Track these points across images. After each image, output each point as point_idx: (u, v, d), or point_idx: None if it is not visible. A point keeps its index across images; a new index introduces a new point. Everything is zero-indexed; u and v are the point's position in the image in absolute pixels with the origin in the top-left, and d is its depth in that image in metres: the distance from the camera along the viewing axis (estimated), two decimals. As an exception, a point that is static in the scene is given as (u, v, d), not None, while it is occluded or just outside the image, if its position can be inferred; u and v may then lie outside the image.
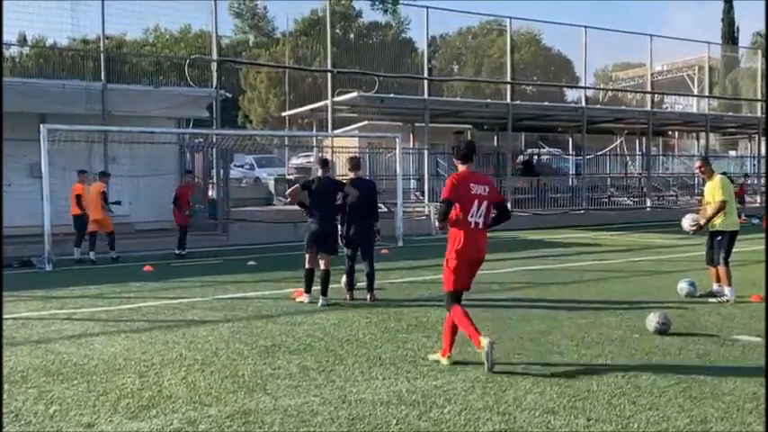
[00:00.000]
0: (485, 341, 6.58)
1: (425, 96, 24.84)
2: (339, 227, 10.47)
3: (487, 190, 6.96)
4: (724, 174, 11.48)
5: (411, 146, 28.87)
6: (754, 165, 37.43)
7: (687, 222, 10.89)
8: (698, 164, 11.09)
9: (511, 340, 7.88)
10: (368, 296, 10.40)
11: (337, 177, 14.51)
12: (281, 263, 15.15)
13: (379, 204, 15.92)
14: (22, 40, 26.46)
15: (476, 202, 6.86)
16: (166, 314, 9.71)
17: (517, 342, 7.79)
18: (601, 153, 36.25)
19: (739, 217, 11.50)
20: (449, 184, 6.92)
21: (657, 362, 6.98)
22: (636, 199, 31.35)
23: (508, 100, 26.85)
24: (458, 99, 32.24)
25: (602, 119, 32.18)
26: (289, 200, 11.75)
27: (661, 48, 32.68)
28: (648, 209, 29.24)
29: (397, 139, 20.63)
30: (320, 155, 23.95)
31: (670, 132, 40.45)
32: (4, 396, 5.95)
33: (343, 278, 10.69)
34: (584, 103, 29.67)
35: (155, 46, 45.42)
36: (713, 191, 10.42)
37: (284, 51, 44.50)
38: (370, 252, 10.59)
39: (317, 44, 38.40)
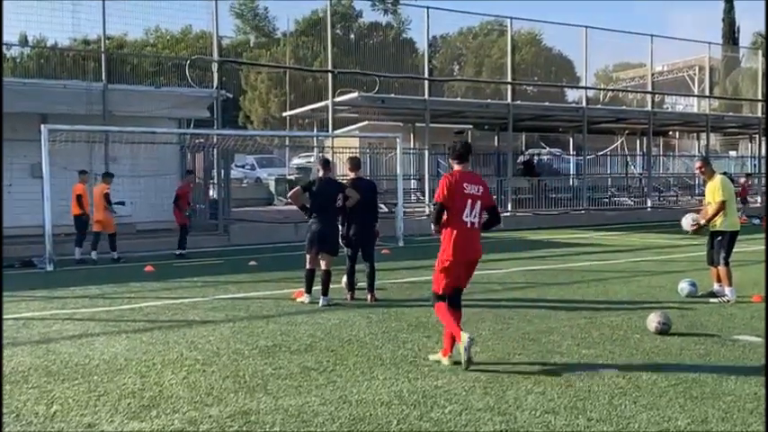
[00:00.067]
0: (465, 336, 6.63)
1: (426, 97, 24.83)
2: (340, 227, 10.48)
3: (481, 190, 6.96)
4: (724, 174, 11.48)
5: (411, 146, 28.88)
6: (754, 165, 37.40)
7: (687, 222, 10.88)
8: (698, 164, 11.09)
9: (512, 340, 7.88)
10: (368, 296, 10.40)
11: (338, 177, 14.52)
12: (281, 263, 15.16)
13: (380, 205, 15.95)
14: (23, 41, 26.47)
15: (469, 201, 6.86)
16: (167, 314, 9.71)
17: (518, 342, 7.80)
18: (601, 153, 36.24)
19: (740, 217, 11.50)
20: (442, 184, 6.94)
21: (658, 362, 6.98)
22: (636, 199, 31.34)
23: (509, 100, 26.83)
24: (458, 99, 32.26)
25: (603, 119, 32.17)
26: (291, 201, 11.76)
27: (662, 48, 32.72)
28: (649, 209, 29.21)
29: (398, 140, 20.63)
30: (321, 155, 23.97)
31: (671, 132, 40.43)
32: (5, 396, 5.95)
33: (344, 278, 10.71)
34: (584, 104, 29.64)
35: (156, 46, 45.42)
36: (714, 191, 10.42)
37: (285, 52, 44.47)
38: (370, 252, 10.60)
39: (317, 44, 38.39)
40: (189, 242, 16.98)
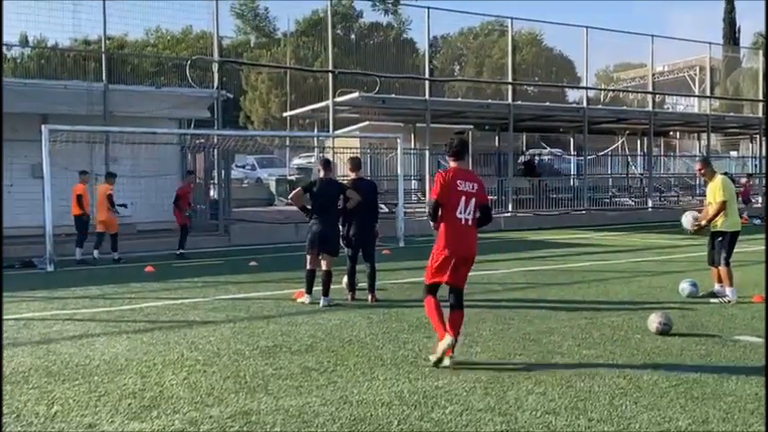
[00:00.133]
0: (448, 338, 6.73)
1: (427, 97, 24.83)
2: (340, 228, 10.48)
3: (475, 187, 6.97)
4: (725, 174, 11.47)
5: (412, 146, 28.87)
6: (755, 165, 37.38)
7: (687, 220, 10.88)
8: (698, 166, 11.10)
9: (512, 341, 7.88)
10: (369, 297, 10.40)
11: (338, 178, 14.51)
12: (282, 264, 15.16)
13: (381, 205, 15.94)
14: (24, 41, 26.44)
15: (463, 198, 6.88)
16: (168, 315, 9.71)
17: (519, 342, 7.80)
18: (602, 153, 36.23)
19: (741, 217, 11.48)
20: (436, 181, 7.00)
21: (659, 362, 6.97)
22: (637, 199, 31.33)
23: (509, 100, 26.84)
24: (459, 99, 32.26)
25: (604, 119, 32.16)
26: (291, 202, 11.76)
27: (662, 48, 32.69)
28: (650, 209, 29.20)
29: (399, 140, 20.63)
30: (322, 155, 23.97)
31: (671, 133, 40.42)
32: (6, 397, 5.95)
33: (345, 279, 10.71)
34: (585, 104, 29.64)
35: (156, 47, 45.46)
36: (714, 191, 10.41)
37: (285, 52, 44.48)
38: (371, 253, 10.60)
39: (318, 45, 38.40)
40: (189, 242, 16.98)
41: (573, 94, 42.88)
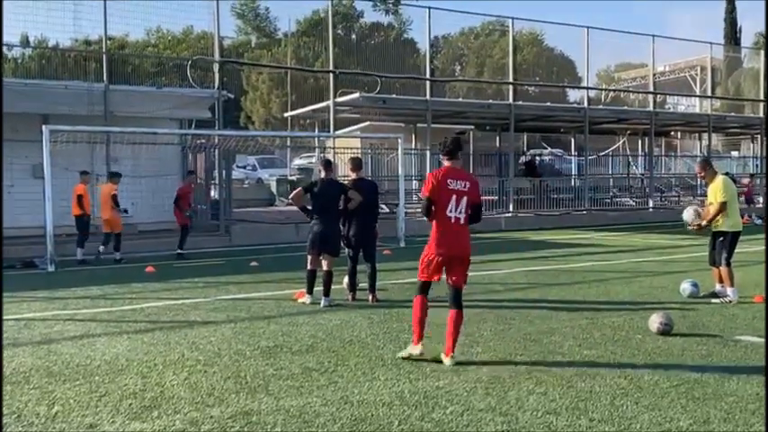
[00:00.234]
0: (419, 347, 7.01)
1: (427, 97, 24.83)
2: (341, 228, 10.47)
3: (467, 186, 6.99)
4: (726, 174, 11.46)
5: (413, 146, 28.87)
6: (756, 165, 37.38)
7: (689, 213, 10.88)
8: (698, 169, 11.10)
9: (513, 341, 7.87)
10: (370, 297, 10.40)
11: (339, 178, 14.50)
12: (283, 264, 15.16)
13: (382, 205, 15.94)
14: (25, 41, 26.45)
15: (453, 196, 6.91)
16: (169, 315, 9.71)
17: (519, 343, 7.79)
18: (603, 153, 36.23)
19: (742, 217, 11.48)
20: (428, 180, 7.10)
21: (660, 362, 6.97)
22: (638, 199, 31.31)
23: (510, 100, 26.82)
24: (460, 100, 32.24)
25: (605, 119, 32.15)
26: (293, 203, 11.76)
27: (663, 48, 32.70)
28: (651, 209, 29.20)
29: (399, 140, 20.62)
30: (323, 155, 23.98)
31: (672, 133, 40.41)
32: (6, 397, 5.95)
33: (345, 279, 10.71)
34: (586, 104, 29.63)
35: (157, 47, 45.46)
36: (715, 192, 10.41)
37: (286, 52, 44.51)
38: (371, 253, 10.60)
39: (318, 45, 38.37)
40: (190, 243, 16.98)
41: (574, 95, 42.86)
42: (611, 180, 34.23)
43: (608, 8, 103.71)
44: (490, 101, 30.21)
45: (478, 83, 39.85)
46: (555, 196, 27.88)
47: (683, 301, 10.33)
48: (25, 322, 9.15)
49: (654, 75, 31.98)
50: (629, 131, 36.96)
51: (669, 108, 38.90)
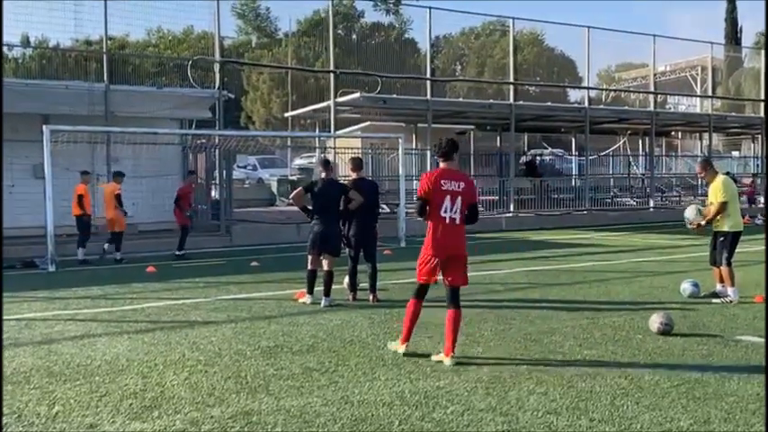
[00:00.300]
0: (403, 347, 7.23)
1: (428, 97, 24.83)
2: (342, 228, 10.47)
3: (462, 186, 7.03)
4: (727, 174, 11.46)
5: (413, 146, 28.87)
6: (757, 165, 37.38)
7: (691, 211, 10.89)
8: (698, 169, 11.10)
9: (514, 341, 7.87)
10: (370, 297, 10.40)
11: (339, 178, 14.50)
12: (283, 264, 15.16)
13: (382, 205, 15.92)
14: (25, 42, 26.50)
15: (447, 197, 6.96)
16: (169, 315, 9.72)
17: (520, 343, 7.79)
18: (604, 153, 36.21)
19: (743, 217, 11.47)
20: (422, 181, 7.18)
21: (660, 362, 6.97)
22: (639, 199, 31.31)
23: (511, 100, 26.82)
24: (460, 100, 32.26)
25: (605, 119, 32.14)
26: (294, 203, 11.75)
27: (664, 48, 32.72)
28: (652, 209, 29.18)
29: (400, 140, 20.61)
30: (323, 155, 23.97)
31: (673, 133, 40.41)
32: (7, 397, 5.96)
33: (346, 279, 10.70)
34: (587, 104, 29.62)
35: (157, 47, 45.46)
36: (716, 192, 10.41)
37: (287, 52, 44.51)
38: (372, 253, 10.59)
39: (319, 45, 38.39)
40: (191, 243, 16.98)
41: (574, 94, 42.89)
42: (612, 180, 34.21)
43: (608, 8, 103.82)
44: (491, 101, 30.21)
45: (479, 83, 39.88)
46: (555, 196, 27.87)
47: (683, 301, 10.33)
48: (26, 322, 9.15)
49: (654, 75, 31.97)
50: (629, 131, 36.94)
51: (670, 108, 38.89)
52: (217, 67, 21.06)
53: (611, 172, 35.35)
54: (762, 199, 31.30)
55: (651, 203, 29.73)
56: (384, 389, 6.14)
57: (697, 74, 41.14)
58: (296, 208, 11.81)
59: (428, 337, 7.90)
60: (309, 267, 10.30)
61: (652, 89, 31.70)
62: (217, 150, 21.13)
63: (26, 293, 11.46)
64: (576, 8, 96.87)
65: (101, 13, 19.15)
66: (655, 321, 8.16)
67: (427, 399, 5.86)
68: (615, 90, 41.19)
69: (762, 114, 34.24)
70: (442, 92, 29.82)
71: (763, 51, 36.17)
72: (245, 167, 36.24)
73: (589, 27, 27.64)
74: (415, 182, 27.91)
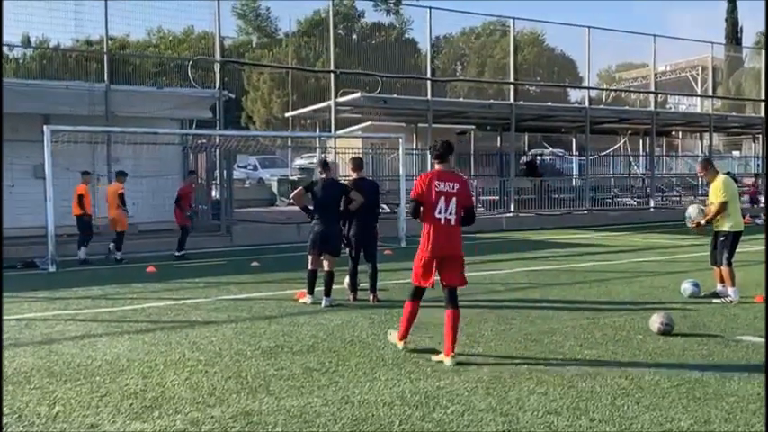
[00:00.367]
0: (401, 344, 7.39)
1: (428, 97, 24.84)
2: (342, 228, 10.47)
3: (456, 187, 7.07)
4: (728, 174, 11.46)
5: (414, 146, 28.88)
6: (758, 165, 37.38)
7: (693, 209, 10.90)
8: (699, 168, 11.10)
9: (514, 341, 7.87)
10: (371, 297, 10.40)
11: (340, 178, 14.49)
12: (284, 264, 15.16)
13: (383, 205, 15.92)
14: (26, 42, 26.50)
15: (442, 198, 7.00)
16: (170, 315, 9.72)
17: (520, 342, 7.79)
18: (604, 153, 36.21)
19: (744, 217, 11.47)
20: (416, 182, 7.23)
21: (661, 362, 6.97)
22: (639, 199, 31.31)
23: (511, 100, 26.82)
24: (461, 100, 32.26)
25: (606, 119, 32.14)
26: (295, 202, 11.75)
27: (664, 48, 32.72)
28: (652, 209, 29.19)
29: (400, 140, 20.60)
30: (323, 155, 23.97)
31: (673, 133, 40.41)
32: (8, 397, 5.96)
33: (346, 279, 10.70)
34: (587, 104, 29.63)
35: (158, 47, 45.43)
36: (716, 191, 10.41)
37: (287, 52, 44.50)
38: (372, 253, 10.59)
39: (319, 45, 38.37)
40: (191, 243, 16.98)
41: (575, 94, 42.88)
42: (613, 180, 34.21)
43: (608, 8, 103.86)
44: (491, 101, 30.21)
45: (479, 83, 39.87)
46: (556, 196, 27.86)
47: (684, 300, 10.33)
48: (26, 322, 9.15)
49: (655, 74, 31.97)
50: (630, 131, 36.94)
51: (670, 108, 38.87)
52: (217, 67, 21.07)
53: (611, 172, 35.35)
54: (762, 198, 31.30)
55: (652, 203, 29.73)
56: (384, 389, 6.14)
57: (697, 74, 41.14)
58: (296, 208, 11.82)
59: (428, 337, 7.90)
60: (310, 267, 10.31)
61: (652, 89, 31.70)
62: (217, 150, 21.14)
63: (27, 293, 11.46)
64: (576, 8, 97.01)
65: (101, 13, 19.17)
66: (655, 321, 8.16)
67: (428, 399, 5.86)
68: (616, 90, 41.18)
69: (762, 114, 34.25)
70: (443, 92, 29.82)
71: (763, 51, 36.17)
72: (245, 167, 36.26)
73: (589, 27, 27.65)
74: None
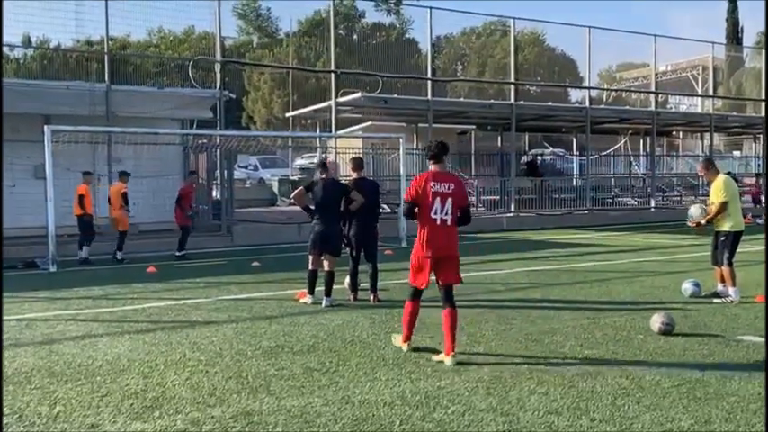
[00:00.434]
0: (405, 346, 7.35)
1: (429, 97, 24.84)
2: (343, 228, 10.46)
3: (451, 187, 7.09)
4: (728, 174, 11.45)
5: (414, 146, 28.88)
6: (758, 165, 37.37)
7: (695, 208, 10.90)
8: (700, 168, 11.09)
9: (514, 341, 7.87)
10: (371, 297, 10.39)
11: (341, 178, 14.48)
12: (284, 264, 15.16)
13: (383, 205, 15.91)
14: (26, 42, 26.53)
15: (438, 199, 7.01)
16: (170, 315, 9.72)
17: (521, 342, 7.79)
18: (605, 153, 36.21)
19: (744, 217, 11.46)
20: (411, 184, 7.27)
21: (661, 362, 6.96)
22: (640, 199, 31.31)
23: (512, 100, 26.82)
24: (461, 100, 32.27)
25: (607, 119, 32.14)
26: (296, 202, 11.75)
27: (665, 48, 32.66)
28: (653, 209, 29.18)
29: (401, 140, 20.62)
30: (324, 155, 23.97)
31: (674, 132, 40.40)
32: (8, 397, 5.96)
33: (347, 279, 10.70)
34: (587, 104, 29.63)
35: (158, 47, 45.51)
36: (717, 191, 10.41)
37: (288, 52, 44.53)
38: (373, 253, 10.59)
39: (320, 45, 38.41)
40: (192, 243, 16.98)
41: (575, 94, 42.89)
42: (613, 180, 34.19)
43: (607, 8, 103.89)
44: (492, 101, 30.22)
45: (480, 83, 39.86)
46: (556, 196, 27.85)
47: (684, 300, 10.32)
48: (27, 322, 9.16)
49: (656, 74, 31.96)
50: (630, 131, 36.94)
51: (671, 108, 38.87)
52: (218, 68, 21.07)
53: (612, 172, 35.35)
54: (762, 198, 31.28)
55: (652, 203, 29.72)
56: (385, 389, 6.14)
57: (698, 74, 41.14)
58: (297, 208, 11.82)
59: (429, 337, 7.90)
60: (310, 267, 10.31)
61: (653, 89, 31.69)
62: (218, 150, 21.15)
63: (27, 294, 11.46)
64: (576, 8, 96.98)
65: (102, 13, 19.17)
66: (656, 321, 8.15)
67: (428, 399, 5.86)
68: (616, 90, 41.19)
69: (763, 114, 34.25)
70: (443, 92, 29.82)
71: (764, 51, 36.17)
72: (246, 167, 36.28)
73: (590, 27, 27.65)
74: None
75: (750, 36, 57.24)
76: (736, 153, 44.61)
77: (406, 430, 5.20)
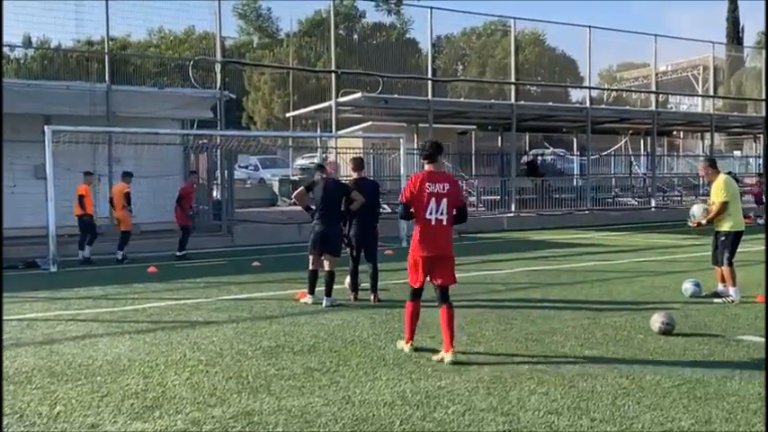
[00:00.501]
0: (408, 346, 7.34)
1: (429, 97, 24.84)
2: (343, 228, 10.47)
3: (446, 188, 7.11)
4: (729, 174, 11.45)
5: (415, 146, 28.86)
6: (759, 165, 37.35)
7: (697, 207, 10.91)
8: (701, 167, 11.09)
9: (515, 341, 7.87)
10: (372, 297, 10.40)
11: (341, 178, 14.49)
12: (285, 264, 15.16)
13: (383, 205, 15.91)
14: (27, 42, 26.55)
15: (433, 199, 7.04)
16: (171, 315, 9.72)
17: (521, 342, 7.79)
18: (605, 153, 36.19)
19: (746, 217, 11.46)
20: (406, 184, 7.30)
21: (662, 362, 6.97)
22: (640, 199, 31.29)
23: (512, 100, 26.81)
24: (462, 100, 32.29)
25: (607, 119, 32.13)
26: (297, 202, 11.76)
27: (665, 48, 32.70)
28: (653, 209, 29.17)
29: (401, 140, 20.62)
30: (324, 156, 23.98)
31: (675, 132, 40.38)
32: (9, 397, 5.97)
33: (347, 279, 10.71)
34: (588, 104, 29.61)
35: (159, 47, 45.52)
36: (717, 191, 10.41)
37: (288, 52, 44.54)
38: (373, 253, 10.59)
39: (320, 45, 38.44)
40: (192, 243, 16.99)
41: (576, 94, 42.90)
42: (614, 180, 34.19)
43: (607, 8, 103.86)
44: (492, 101, 30.23)
45: (480, 83, 39.90)
46: (557, 196, 27.84)
47: (684, 300, 10.32)
48: (27, 322, 9.16)
49: (656, 74, 31.96)
50: (631, 131, 36.91)
51: (671, 108, 38.86)
52: (218, 68, 21.07)
53: (612, 172, 35.34)
54: (763, 198, 31.25)
55: (653, 203, 29.71)
56: (385, 389, 6.15)
57: (699, 73, 41.15)
58: (297, 208, 11.83)
59: (430, 337, 7.90)
60: (311, 267, 10.31)
61: (654, 89, 31.68)
62: (218, 150, 21.15)
63: (28, 294, 11.47)
64: (576, 8, 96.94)
65: (102, 13, 19.17)
66: (656, 321, 8.15)
67: (428, 398, 5.86)
68: (617, 90, 41.20)
69: (763, 114, 34.23)
70: (444, 92, 29.84)
71: (764, 51, 36.16)
72: (246, 168, 36.29)
73: (590, 27, 27.63)
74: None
75: (751, 36, 57.34)
76: (737, 153, 44.59)
77: (407, 430, 5.20)
